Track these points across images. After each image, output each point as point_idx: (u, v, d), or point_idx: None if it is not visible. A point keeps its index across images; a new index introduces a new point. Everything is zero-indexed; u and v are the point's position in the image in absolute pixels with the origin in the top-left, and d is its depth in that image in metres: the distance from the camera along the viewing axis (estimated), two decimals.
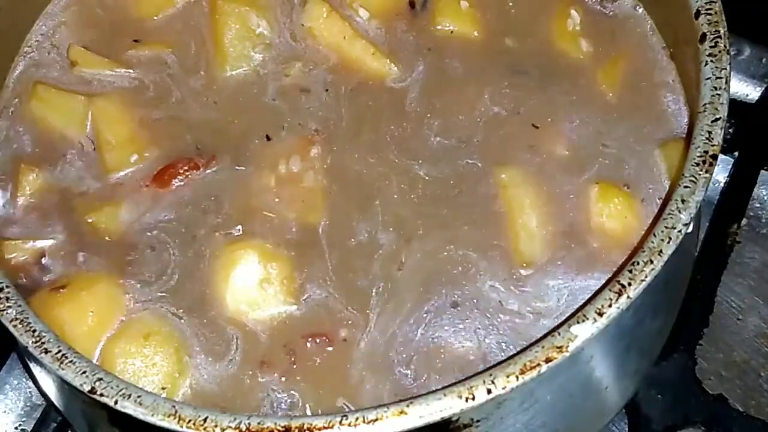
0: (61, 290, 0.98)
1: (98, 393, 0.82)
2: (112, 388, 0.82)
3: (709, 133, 0.89)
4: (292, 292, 0.98)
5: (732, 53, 0.96)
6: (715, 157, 0.88)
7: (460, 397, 0.78)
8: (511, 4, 1.14)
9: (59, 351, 0.85)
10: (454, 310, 0.97)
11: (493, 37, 1.12)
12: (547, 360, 0.79)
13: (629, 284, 0.82)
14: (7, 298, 0.88)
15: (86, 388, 0.82)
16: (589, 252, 0.99)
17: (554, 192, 1.02)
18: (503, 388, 0.78)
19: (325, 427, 0.77)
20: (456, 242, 1.00)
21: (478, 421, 0.83)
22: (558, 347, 0.79)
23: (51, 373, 0.95)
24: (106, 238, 1.03)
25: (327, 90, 1.10)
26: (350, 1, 1.14)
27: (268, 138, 1.07)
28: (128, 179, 1.06)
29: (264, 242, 1.00)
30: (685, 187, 0.86)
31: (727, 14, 0.96)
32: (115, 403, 0.81)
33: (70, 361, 0.84)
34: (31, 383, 1.21)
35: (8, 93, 1.14)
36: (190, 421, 0.79)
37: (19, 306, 0.88)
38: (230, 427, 0.78)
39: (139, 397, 0.81)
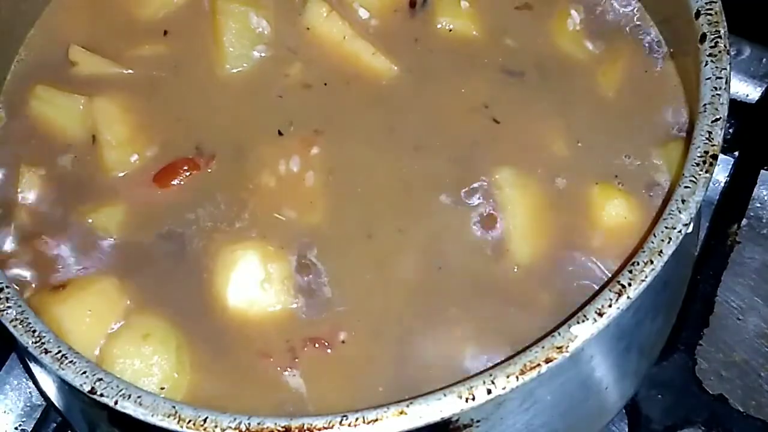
0: (61, 289, 0.99)
1: (98, 393, 0.82)
2: (112, 388, 0.82)
3: (709, 133, 0.89)
4: (292, 292, 0.98)
5: (732, 53, 0.96)
6: (715, 157, 0.88)
7: (460, 397, 0.78)
8: (511, 3, 1.14)
9: (59, 351, 0.85)
10: (450, 310, 0.97)
11: (493, 37, 1.12)
12: (547, 360, 0.79)
13: (629, 284, 0.82)
14: (7, 299, 0.88)
15: (86, 388, 0.82)
16: (588, 252, 0.99)
17: (552, 192, 1.02)
18: (503, 389, 0.78)
19: (325, 428, 0.77)
20: (455, 244, 1.00)
21: (478, 421, 0.83)
22: (558, 347, 0.79)
23: (51, 373, 0.95)
24: (106, 238, 1.03)
25: (327, 90, 1.10)
26: (350, 0, 1.14)
27: (280, 133, 1.07)
28: (128, 179, 1.06)
29: (264, 242, 1.00)
30: (685, 187, 0.86)
31: (727, 14, 0.96)
32: (115, 403, 0.81)
33: (70, 361, 0.84)
34: (31, 383, 1.21)
35: (8, 93, 1.14)
36: (190, 421, 0.79)
37: (19, 306, 0.88)
38: (230, 427, 0.78)
39: (139, 397, 0.81)
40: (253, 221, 1.02)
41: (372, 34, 1.13)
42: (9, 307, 0.88)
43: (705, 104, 0.90)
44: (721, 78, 0.92)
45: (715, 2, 0.96)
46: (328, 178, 1.04)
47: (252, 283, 0.98)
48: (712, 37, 0.94)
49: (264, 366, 0.95)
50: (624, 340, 0.94)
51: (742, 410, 1.10)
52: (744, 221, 1.22)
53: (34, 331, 0.86)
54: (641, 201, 1.01)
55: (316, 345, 0.96)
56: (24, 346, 0.86)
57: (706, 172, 0.87)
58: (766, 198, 1.25)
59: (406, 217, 1.01)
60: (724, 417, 1.09)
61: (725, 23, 0.95)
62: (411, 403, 0.78)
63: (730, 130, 1.29)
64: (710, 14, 0.96)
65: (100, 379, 0.83)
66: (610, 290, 0.82)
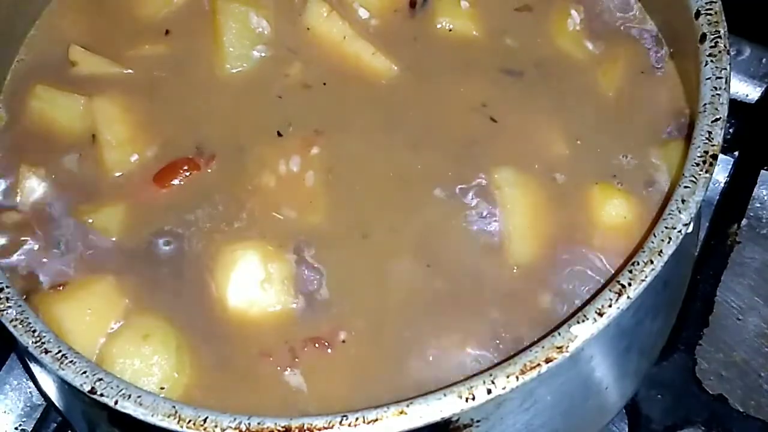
0: (60, 289, 0.99)
1: (98, 393, 0.82)
2: (112, 388, 0.82)
3: (709, 133, 0.89)
4: (292, 292, 0.98)
5: (732, 53, 0.96)
6: (715, 157, 0.88)
7: (460, 397, 0.78)
8: (511, 4, 1.14)
9: (59, 351, 0.85)
10: (450, 310, 0.97)
11: (493, 37, 1.12)
12: (547, 360, 0.79)
13: (629, 284, 0.82)
14: (7, 298, 0.88)
15: (86, 388, 0.82)
16: (587, 252, 0.99)
17: (551, 191, 1.02)
18: (503, 388, 0.78)
19: (325, 428, 0.77)
20: (455, 244, 1.00)
21: (478, 421, 0.83)
22: (558, 347, 0.79)
23: (51, 373, 0.95)
24: (106, 238, 1.03)
25: (327, 90, 1.10)
26: (350, 0, 1.14)
27: (279, 134, 1.06)
28: (128, 179, 1.06)
29: (264, 242, 1.00)
30: (685, 187, 0.86)
31: (727, 14, 0.96)
32: (115, 403, 0.81)
33: (70, 361, 0.84)
34: (31, 383, 1.21)
35: (8, 93, 1.14)
36: (190, 421, 0.79)
37: (19, 306, 0.88)
38: (230, 427, 0.78)
39: (139, 397, 0.81)
40: (252, 221, 1.02)
41: (372, 33, 1.13)
42: (9, 307, 0.88)
43: (705, 104, 0.91)
44: (721, 78, 0.92)
45: (715, 2, 0.96)
46: (327, 177, 1.04)
47: (252, 283, 0.98)
48: (712, 37, 0.94)
49: (264, 366, 0.95)
50: (624, 340, 0.94)
51: (742, 410, 1.10)
52: (744, 221, 1.22)
53: (34, 331, 0.86)
54: (641, 201, 1.01)
55: (316, 345, 0.96)
56: (24, 346, 0.86)
57: (706, 172, 0.87)
58: (766, 198, 1.25)
59: (406, 216, 1.01)
60: (724, 417, 1.09)
61: (725, 23, 0.95)
62: (411, 403, 0.78)
63: (730, 130, 1.30)
64: (710, 14, 0.96)
65: (100, 379, 0.83)
66: (610, 290, 0.82)
